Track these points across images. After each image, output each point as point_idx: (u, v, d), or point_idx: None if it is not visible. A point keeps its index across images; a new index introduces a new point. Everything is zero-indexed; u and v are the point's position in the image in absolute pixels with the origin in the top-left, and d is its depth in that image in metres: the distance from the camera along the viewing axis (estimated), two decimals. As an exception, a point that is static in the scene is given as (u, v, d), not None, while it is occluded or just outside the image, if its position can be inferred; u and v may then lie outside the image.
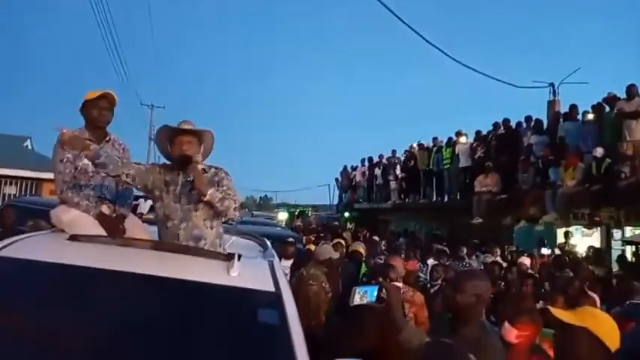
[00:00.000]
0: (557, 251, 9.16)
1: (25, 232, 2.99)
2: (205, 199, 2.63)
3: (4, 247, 2.30)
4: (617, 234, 10.41)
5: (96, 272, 2.19)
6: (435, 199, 14.49)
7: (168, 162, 2.84)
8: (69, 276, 2.20)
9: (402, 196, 16.14)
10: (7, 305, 2.08)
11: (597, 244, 10.41)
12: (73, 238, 2.51)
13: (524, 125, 11.58)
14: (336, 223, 19.71)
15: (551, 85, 13.22)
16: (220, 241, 2.83)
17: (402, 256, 7.45)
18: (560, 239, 10.49)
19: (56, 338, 1.96)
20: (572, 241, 10.27)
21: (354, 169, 20.07)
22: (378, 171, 17.57)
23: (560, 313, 1.98)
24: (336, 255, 5.71)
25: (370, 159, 18.51)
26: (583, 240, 10.77)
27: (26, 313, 2.04)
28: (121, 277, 2.18)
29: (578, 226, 10.92)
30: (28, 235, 2.66)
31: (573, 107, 10.40)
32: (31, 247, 2.41)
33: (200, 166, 2.74)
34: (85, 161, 2.84)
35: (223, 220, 2.83)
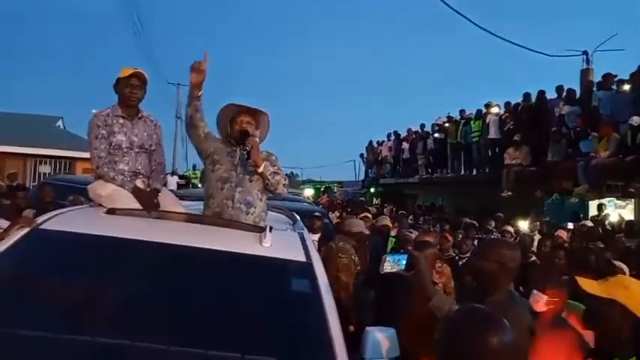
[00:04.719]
0: (589, 223, 8.97)
1: (65, 206, 3.10)
2: (259, 171, 2.82)
3: (47, 220, 2.40)
4: (652, 206, 10.12)
5: (134, 243, 2.28)
6: (463, 172, 14.30)
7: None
8: (107, 247, 2.29)
9: (430, 171, 15.99)
10: (49, 275, 2.19)
11: (631, 216, 10.16)
12: (111, 211, 2.60)
13: (556, 95, 11.25)
14: (362, 198, 19.73)
15: (585, 53, 12.74)
16: (265, 215, 2.97)
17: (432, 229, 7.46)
18: (593, 212, 10.27)
19: (96, 306, 2.06)
20: (605, 213, 10.05)
21: (379, 144, 19.91)
22: (405, 145, 17.39)
23: (588, 284, 1.94)
24: (366, 230, 5.74)
25: (397, 133, 18.32)
26: (616, 212, 10.52)
27: (68, 283, 2.14)
28: (158, 248, 2.26)
29: (612, 198, 10.66)
30: (68, 209, 2.77)
31: (608, 76, 9.99)
32: (71, 220, 2.50)
33: (257, 139, 2.91)
34: (119, 137, 2.92)
35: (271, 194, 3.01)
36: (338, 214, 10.97)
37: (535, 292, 2.68)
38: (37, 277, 2.17)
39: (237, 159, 2.89)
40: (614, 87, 9.75)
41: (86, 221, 2.54)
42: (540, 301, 2.66)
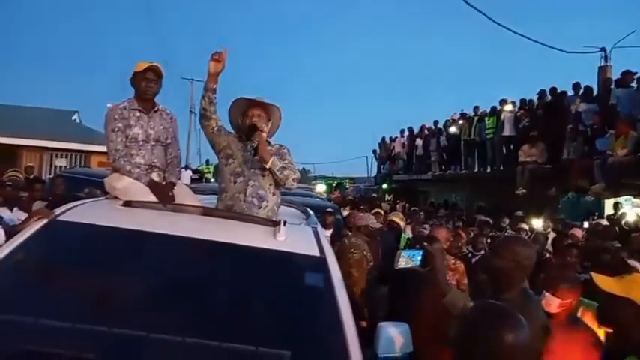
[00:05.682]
0: (604, 222, 8.85)
1: (82, 199, 3.14)
2: (267, 166, 2.84)
3: (64, 212, 2.44)
4: (669, 205, 9.95)
5: (149, 236, 2.30)
6: (477, 169, 14.20)
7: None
8: (124, 239, 2.32)
9: (443, 168, 15.90)
10: (67, 265, 2.22)
11: (648, 216, 9.98)
12: (127, 204, 2.63)
13: (572, 92, 11.11)
14: (374, 195, 19.68)
15: (603, 49, 12.53)
16: (278, 210, 3.00)
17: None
18: (609, 210, 10.14)
19: (112, 297, 2.08)
20: (621, 212, 9.92)
21: (392, 140, 19.83)
22: (419, 141, 17.30)
23: (603, 281, 1.93)
24: (375, 224, 5.74)
25: (411, 129, 18.22)
26: (633, 211, 10.37)
27: (84, 274, 2.17)
28: (174, 241, 2.28)
29: (628, 197, 10.51)
30: (84, 202, 2.80)
31: (627, 73, 9.81)
32: (88, 213, 2.53)
33: (264, 135, 2.95)
34: (135, 130, 2.95)
35: (281, 189, 3.02)
36: (349, 210, 10.94)
37: (547, 294, 2.64)
38: (55, 267, 2.20)
39: (248, 153, 2.92)
40: (634, 84, 9.59)
41: (103, 213, 2.57)
42: (552, 304, 2.62)
